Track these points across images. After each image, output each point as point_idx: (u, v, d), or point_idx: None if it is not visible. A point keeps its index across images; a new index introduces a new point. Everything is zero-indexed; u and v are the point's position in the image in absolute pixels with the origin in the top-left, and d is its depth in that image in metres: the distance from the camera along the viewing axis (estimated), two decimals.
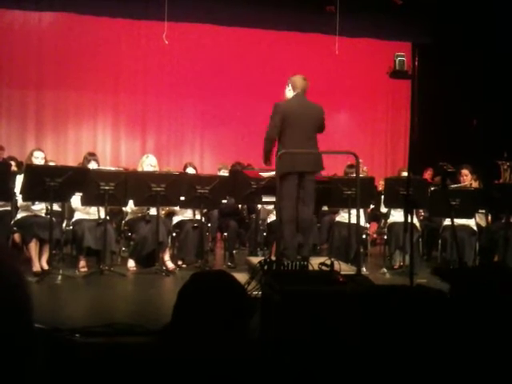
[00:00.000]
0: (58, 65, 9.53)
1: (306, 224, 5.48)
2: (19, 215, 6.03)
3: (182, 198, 6.31)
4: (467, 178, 6.98)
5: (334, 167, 7.73)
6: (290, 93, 5.59)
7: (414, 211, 5.54)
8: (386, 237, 6.91)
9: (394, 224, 6.68)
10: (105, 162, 8.82)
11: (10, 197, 5.98)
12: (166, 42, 8.94)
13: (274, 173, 5.34)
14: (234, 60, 10.11)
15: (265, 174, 6.35)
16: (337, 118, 10.28)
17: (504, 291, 1.72)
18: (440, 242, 6.79)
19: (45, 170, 5.81)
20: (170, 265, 6.28)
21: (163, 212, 6.75)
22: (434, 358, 1.64)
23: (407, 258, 6.19)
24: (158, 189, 6.00)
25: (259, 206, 6.73)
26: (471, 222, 6.77)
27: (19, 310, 0.96)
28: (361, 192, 5.21)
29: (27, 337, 0.97)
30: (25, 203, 5.95)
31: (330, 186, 6.29)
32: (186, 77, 9.99)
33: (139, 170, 6.72)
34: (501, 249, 6.44)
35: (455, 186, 6.83)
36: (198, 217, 6.57)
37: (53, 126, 9.72)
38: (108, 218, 6.16)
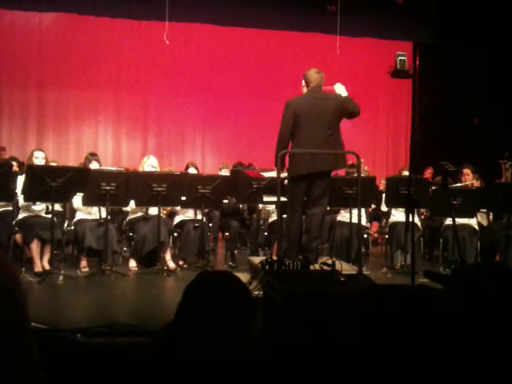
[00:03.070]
0: (58, 65, 9.53)
1: (312, 225, 5.24)
2: (21, 215, 6.04)
3: (184, 198, 6.31)
4: (468, 178, 6.97)
5: None
6: (304, 89, 5.25)
7: (416, 210, 5.54)
8: (387, 236, 6.91)
9: (396, 223, 6.68)
10: (106, 162, 8.82)
11: (11, 197, 5.99)
12: (167, 42, 8.95)
13: (275, 173, 5.30)
14: (235, 60, 10.11)
15: (266, 174, 6.35)
16: None
17: (504, 291, 1.72)
18: (441, 241, 6.79)
19: (46, 170, 5.81)
20: (172, 265, 6.28)
21: (164, 212, 6.76)
22: (435, 359, 1.64)
23: (408, 257, 6.19)
24: (160, 189, 6.00)
25: (260, 205, 6.73)
26: (472, 222, 6.77)
27: (14, 310, 0.96)
28: (362, 191, 5.20)
29: (23, 335, 0.97)
30: (25, 203, 5.96)
31: (331, 186, 6.28)
32: (187, 77, 9.99)
33: (140, 170, 6.72)
34: (502, 248, 6.44)
35: (456, 185, 6.83)
36: (199, 217, 6.57)
37: (54, 126, 9.73)
38: (109, 217, 6.16)
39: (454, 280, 1.79)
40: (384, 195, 6.68)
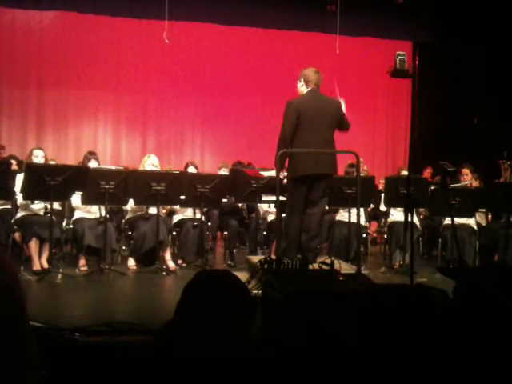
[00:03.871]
0: (58, 64, 9.52)
1: (312, 224, 5.23)
2: (19, 214, 6.04)
3: (183, 197, 6.31)
4: (467, 177, 6.97)
5: None
6: (302, 88, 5.19)
7: (415, 210, 5.53)
8: (386, 236, 6.91)
9: (394, 223, 6.67)
10: (105, 161, 8.82)
11: (10, 195, 5.98)
12: (167, 41, 8.94)
13: (274, 172, 5.29)
14: (235, 59, 10.10)
15: (265, 173, 6.35)
16: None
17: (504, 291, 1.72)
18: (440, 241, 6.79)
19: (45, 168, 5.80)
20: (171, 264, 6.28)
21: (164, 211, 6.76)
22: (434, 359, 1.64)
23: (407, 257, 6.19)
24: (159, 188, 5.99)
25: (259, 205, 6.73)
26: (471, 221, 6.77)
27: (13, 307, 0.96)
28: (361, 191, 5.20)
29: (22, 332, 0.97)
30: (24, 202, 5.95)
31: (331, 185, 6.29)
32: (187, 76, 9.98)
33: (141, 169, 6.71)
34: (501, 248, 6.44)
35: (455, 185, 6.83)
36: (198, 216, 6.57)
37: (53, 124, 9.72)
38: (108, 216, 6.16)
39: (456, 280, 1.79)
40: (383, 195, 6.68)
